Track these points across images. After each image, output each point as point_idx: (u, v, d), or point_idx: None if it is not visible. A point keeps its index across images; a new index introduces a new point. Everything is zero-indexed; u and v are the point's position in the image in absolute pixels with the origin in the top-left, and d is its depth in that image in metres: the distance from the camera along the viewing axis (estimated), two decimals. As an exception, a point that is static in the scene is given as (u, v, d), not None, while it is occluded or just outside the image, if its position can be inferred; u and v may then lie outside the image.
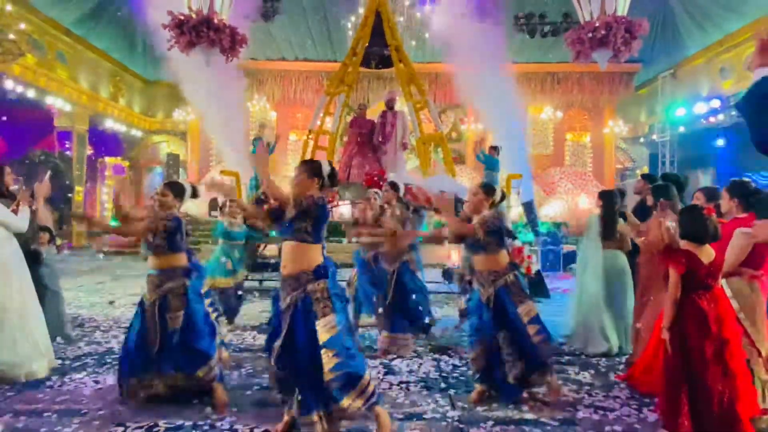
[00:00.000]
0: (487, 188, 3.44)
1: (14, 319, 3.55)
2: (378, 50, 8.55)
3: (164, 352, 3.11)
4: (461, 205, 7.30)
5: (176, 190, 3.37)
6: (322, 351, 2.58)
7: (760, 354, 2.92)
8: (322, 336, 2.61)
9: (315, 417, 2.59)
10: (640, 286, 4.10)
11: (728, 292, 2.98)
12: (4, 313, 3.52)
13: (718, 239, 2.79)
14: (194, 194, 3.53)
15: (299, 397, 2.61)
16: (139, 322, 3.21)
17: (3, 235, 3.63)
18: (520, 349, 3.20)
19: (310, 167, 2.85)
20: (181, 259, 3.30)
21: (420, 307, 4.52)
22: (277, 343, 2.67)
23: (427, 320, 4.66)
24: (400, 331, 4.41)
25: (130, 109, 16.34)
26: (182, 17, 6.77)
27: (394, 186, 4.70)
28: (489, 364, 3.33)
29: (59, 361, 3.98)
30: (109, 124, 15.17)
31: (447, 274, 8.83)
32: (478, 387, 3.38)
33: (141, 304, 3.28)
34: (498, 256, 3.33)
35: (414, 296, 4.46)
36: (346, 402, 2.58)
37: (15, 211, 3.77)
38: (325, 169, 2.85)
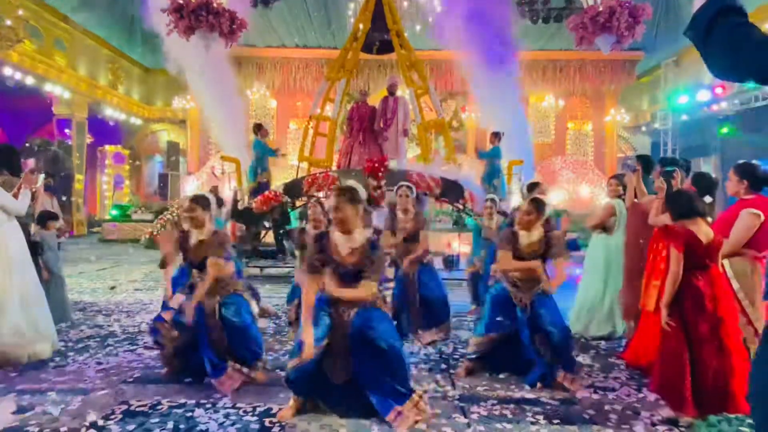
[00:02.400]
0: (539, 204, 3.33)
1: (15, 301, 3.56)
2: (379, 35, 8.47)
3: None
4: (463, 192, 7.28)
5: (203, 203, 3.30)
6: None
7: (757, 333, 2.93)
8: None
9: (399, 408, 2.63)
10: (626, 267, 4.07)
11: (729, 273, 3.00)
12: (4, 295, 3.52)
13: (707, 215, 2.86)
14: (219, 204, 3.53)
15: (374, 399, 2.65)
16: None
17: (2, 218, 3.63)
18: (553, 349, 3.24)
19: (350, 196, 2.65)
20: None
21: (444, 306, 4.41)
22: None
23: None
24: (427, 328, 4.31)
25: (129, 97, 16.27)
26: (181, 1, 6.70)
27: (410, 189, 4.40)
28: (492, 352, 3.40)
29: (62, 344, 4.00)
30: (109, 112, 15.12)
31: (448, 262, 8.86)
32: (468, 364, 3.47)
33: None
34: (539, 265, 3.34)
35: (437, 297, 4.35)
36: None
37: (16, 195, 3.77)
38: (362, 194, 2.72)
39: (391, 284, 4.30)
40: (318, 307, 2.72)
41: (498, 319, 3.37)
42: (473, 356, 3.50)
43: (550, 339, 3.22)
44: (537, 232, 3.36)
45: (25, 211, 3.84)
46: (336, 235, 2.71)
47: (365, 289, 2.67)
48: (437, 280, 4.43)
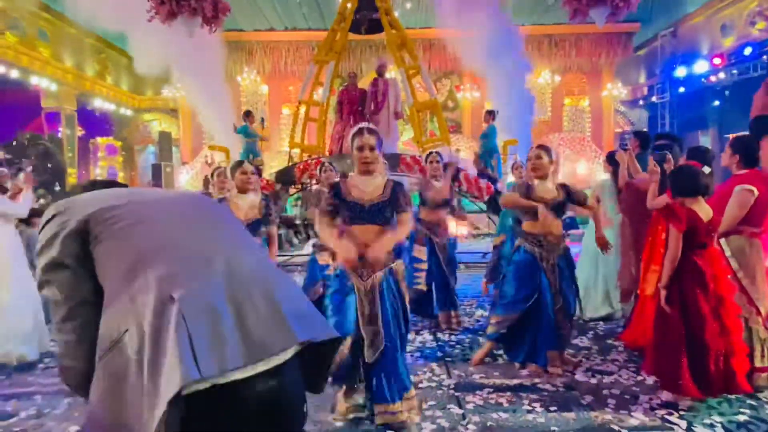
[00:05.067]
0: (546, 148, 3.31)
1: (10, 304, 3.50)
2: (367, 14, 8.23)
3: None
4: (458, 174, 7.17)
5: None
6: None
7: (758, 312, 2.87)
8: (407, 315, 2.60)
9: (398, 405, 2.48)
10: (623, 248, 4.00)
11: (727, 251, 2.92)
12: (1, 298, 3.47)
13: (711, 194, 2.77)
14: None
15: (379, 384, 2.47)
16: None
17: None
18: (567, 317, 3.21)
19: (377, 137, 2.59)
20: None
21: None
22: (363, 328, 2.47)
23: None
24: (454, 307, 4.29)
25: (118, 87, 15.98)
26: (160, -15, 6.48)
27: (440, 155, 4.39)
28: (511, 332, 3.26)
29: (52, 343, 3.94)
30: (98, 104, 14.86)
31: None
32: (488, 343, 3.36)
33: None
34: (560, 223, 3.27)
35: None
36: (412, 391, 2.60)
37: (17, 197, 3.73)
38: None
39: (424, 265, 4.08)
40: (340, 287, 2.55)
41: (521, 295, 3.20)
42: (494, 336, 3.31)
43: (567, 307, 3.20)
44: (551, 182, 3.26)
45: (27, 212, 3.78)
46: (356, 179, 2.59)
47: (403, 227, 2.52)
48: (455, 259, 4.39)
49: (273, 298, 1.11)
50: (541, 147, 3.33)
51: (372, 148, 2.54)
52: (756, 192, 2.83)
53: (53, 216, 1.17)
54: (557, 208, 3.23)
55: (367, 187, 2.54)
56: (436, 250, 4.15)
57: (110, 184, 1.38)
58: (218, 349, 0.98)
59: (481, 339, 3.89)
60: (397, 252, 2.64)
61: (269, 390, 1.04)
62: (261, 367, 1.03)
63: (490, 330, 3.35)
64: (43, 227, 1.18)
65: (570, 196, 3.25)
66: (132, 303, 1.02)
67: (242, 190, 3.05)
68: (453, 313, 4.25)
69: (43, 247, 1.15)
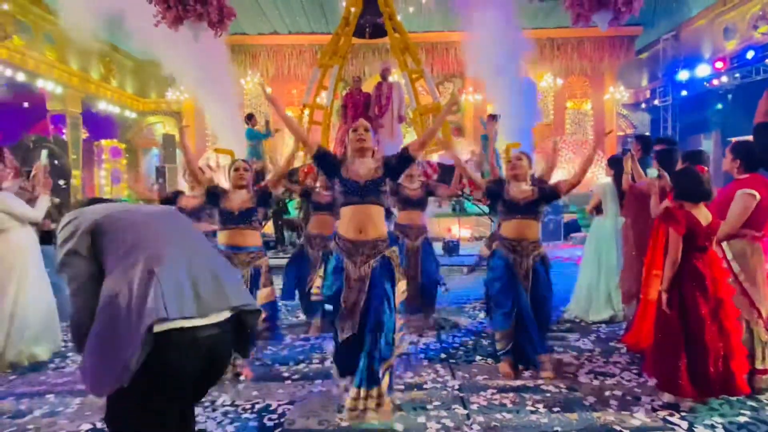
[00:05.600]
0: (529, 158, 3.47)
1: (9, 304, 3.54)
2: (371, 19, 8.29)
3: None
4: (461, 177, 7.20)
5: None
6: (397, 316, 2.65)
7: (760, 315, 2.90)
8: (398, 301, 2.66)
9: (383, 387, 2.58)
10: (626, 249, 4.04)
11: (729, 254, 2.96)
12: (19, 300, 3.53)
13: (713, 198, 2.81)
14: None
15: (370, 368, 2.54)
16: None
17: (15, 224, 3.62)
18: (542, 324, 3.24)
19: (368, 127, 2.86)
20: None
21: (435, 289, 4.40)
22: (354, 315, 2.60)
23: (442, 289, 4.58)
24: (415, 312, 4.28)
25: (123, 90, 16.10)
26: (167, -10, 6.55)
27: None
28: (517, 341, 3.24)
29: (63, 344, 3.99)
30: (103, 106, 14.97)
31: (448, 247, 8.84)
32: (508, 360, 3.28)
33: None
34: (538, 225, 3.32)
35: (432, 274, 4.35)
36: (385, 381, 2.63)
37: (33, 199, 3.77)
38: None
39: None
40: (334, 265, 2.69)
41: (508, 306, 3.22)
42: (505, 352, 3.27)
43: (544, 307, 3.24)
44: (525, 184, 3.36)
45: (42, 216, 3.80)
46: (352, 162, 2.75)
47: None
48: (434, 260, 4.40)
49: (218, 277, 1.68)
50: (523, 153, 3.59)
51: (366, 129, 2.81)
52: (758, 196, 2.87)
53: (70, 220, 1.67)
54: (531, 208, 3.27)
55: (362, 169, 2.71)
56: (406, 252, 4.21)
57: (106, 200, 1.97)
58: (180, 303, 1.52)
59: (484, 342, 3.95)
60: (392, 240, 2.78)
61: (211, 337, 1.57)
62: (206, 321, 1.57)
63: (499, 347, 3.31)
64: (63, 227, 1.66)
65: (543, 196, 3.30)
66: (125, 274, 1.55)
67: (236, 185, 3.32)
68: (419, 316, 4.25)
69: (64, 241, 1.63)
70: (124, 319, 1.47)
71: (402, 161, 2.75)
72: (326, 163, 2.78)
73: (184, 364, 1.53)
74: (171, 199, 3.98)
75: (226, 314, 1.63)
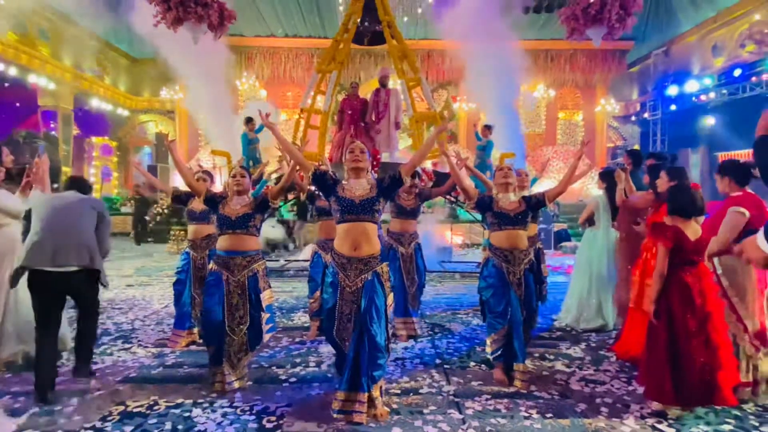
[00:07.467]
0: (511, 167, 3.57)
1: (2, 303, 3.51)
2: (370, 26, 8.38)
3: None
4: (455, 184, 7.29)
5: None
6: (389, 326, 2.82)
7: (746, 330, 2.99)
8: (389, 312, 2.82)
9: (375, 392, 2.74)
10: (621, 262, 4.15)
11: (719, 269, 3.05)
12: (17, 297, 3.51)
13: (704, 214, 2.89)
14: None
15: (355, 374, 2.68)
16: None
17: (9, 220, 3.59)
18: (529, 329, 3.40)
19: (364, 148, 3.00)
20: None
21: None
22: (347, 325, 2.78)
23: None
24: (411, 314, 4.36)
25: (116, 87, 15.99)
26: (167, -9, 6.58)
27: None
28: (508, 343, 3.29)
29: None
30: (95, 104, 14.86)
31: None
32: (500, 365, 3.34)
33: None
34: (526, 233, 3.41)
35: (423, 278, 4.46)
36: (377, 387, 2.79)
37: (26, 191, 3.74)
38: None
39: None
40: (330, 280, 2.86)
41: (500, 309, 3.30)
42: (497, 355, 3.32)
43: (531, 313, 3.40)
44: (513, 195, 3.45)
45: (24, 210, 3.78)
46: (347, 183, 2.91)
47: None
48: (423, 264, 4.49)
49: (81, 247, 3.08)
50: (521, 169, 3.83)
51: (362, 151, 2.93)
52: (747, 214, 2.95)
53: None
54: (520, 219, 3.36)
55: (357, 188, 2.86)
56: (400, 260, 4.30)
57: (84, 181, 3.55)
58: (44, 260, 3.00)
59: (478, 348, 4.02)
60: (383, 256, 2.95)
61: (63, 279, 3.04)
62: (60, 270, 3.03)
63: (490, 350, 3.37)
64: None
65: (530, 206, 3.40)
66: (30, 240, 3.06)
67: (234, 192, 3.37)
68: (411, 320, 4.33)
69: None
70: (12, 262, 3.40)
71: (393, 183, 2.86)
72: (323, 183, 2.89)
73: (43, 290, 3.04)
74: (183, 199, 4.07)
75: (74, 267, 3.05)
